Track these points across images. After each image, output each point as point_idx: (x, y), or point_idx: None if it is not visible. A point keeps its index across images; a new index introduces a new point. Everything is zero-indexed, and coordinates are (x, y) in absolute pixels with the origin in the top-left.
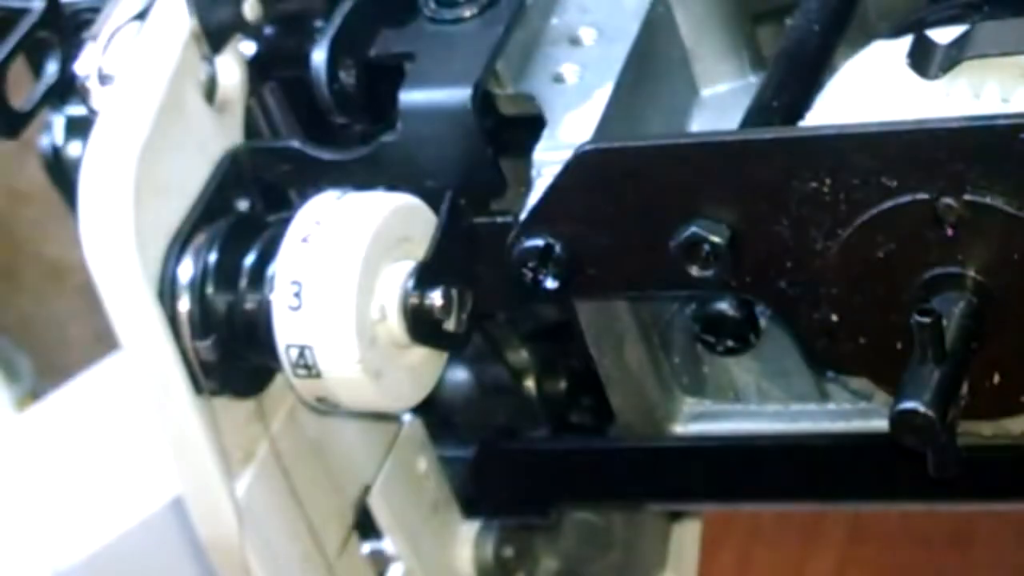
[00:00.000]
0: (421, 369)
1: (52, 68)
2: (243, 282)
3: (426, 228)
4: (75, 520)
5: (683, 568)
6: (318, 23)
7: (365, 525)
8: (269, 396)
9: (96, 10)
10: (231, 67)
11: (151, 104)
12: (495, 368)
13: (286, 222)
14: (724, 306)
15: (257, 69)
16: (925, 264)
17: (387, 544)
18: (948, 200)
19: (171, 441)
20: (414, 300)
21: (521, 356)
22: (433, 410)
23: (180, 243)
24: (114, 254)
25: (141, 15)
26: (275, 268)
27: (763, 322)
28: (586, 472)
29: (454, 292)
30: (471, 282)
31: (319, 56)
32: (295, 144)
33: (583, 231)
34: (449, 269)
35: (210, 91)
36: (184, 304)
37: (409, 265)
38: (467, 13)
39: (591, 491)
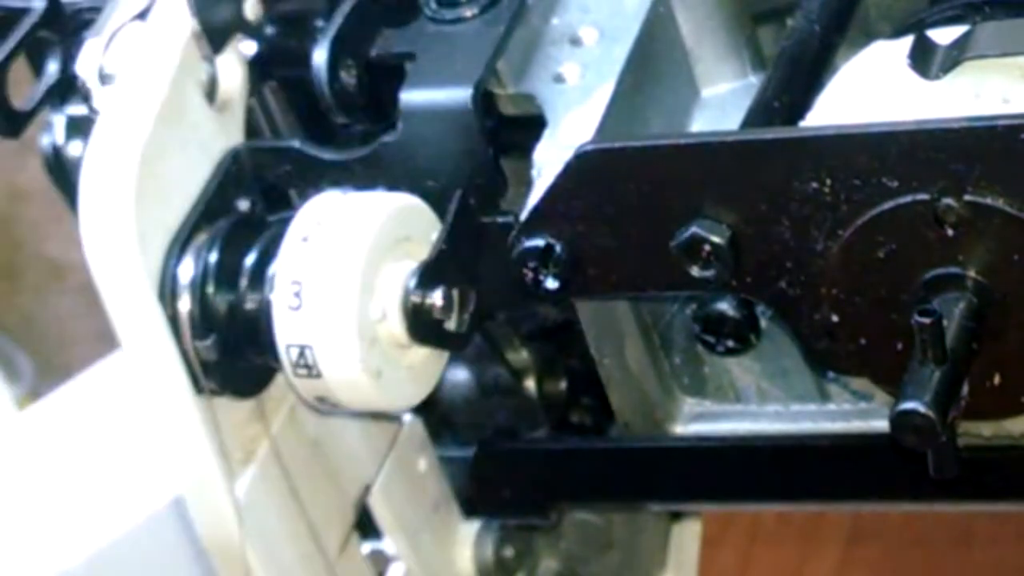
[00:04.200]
0: (421, 369)
1: (53, 68)
2: (244, 282)
3: (426, 228)
4: (76, 520)
5: (683, 568)
6: (319, 23)
7: (365, 525)
8: (269, 396)
9: (97, 10)
10: (232, 67)
11: (152, 104)
12: (495, 368)
13: (286, 222)
14: (724, 306)
15: (258, 69)
16: (925, 264)
17: (387, 544)
18: (948, 200)
19: (171, 441)
20: (415, 300)
21: (521, 356)
22: (433, 410)
23: (181, 243)
24: (115, 254)
25: (142, 15)
26: (275, 268)
27: (763, 322)
28: (586, 472)
29: (455, 292)
30: (473, 282)
31: (320, 56)
32: (295, 144)
33: (584, 231)
34: (451, 269)
35: (211, 91)
36: (185, 304)
37: (409, 265)
38: (468, 13)
39: (591, 491)
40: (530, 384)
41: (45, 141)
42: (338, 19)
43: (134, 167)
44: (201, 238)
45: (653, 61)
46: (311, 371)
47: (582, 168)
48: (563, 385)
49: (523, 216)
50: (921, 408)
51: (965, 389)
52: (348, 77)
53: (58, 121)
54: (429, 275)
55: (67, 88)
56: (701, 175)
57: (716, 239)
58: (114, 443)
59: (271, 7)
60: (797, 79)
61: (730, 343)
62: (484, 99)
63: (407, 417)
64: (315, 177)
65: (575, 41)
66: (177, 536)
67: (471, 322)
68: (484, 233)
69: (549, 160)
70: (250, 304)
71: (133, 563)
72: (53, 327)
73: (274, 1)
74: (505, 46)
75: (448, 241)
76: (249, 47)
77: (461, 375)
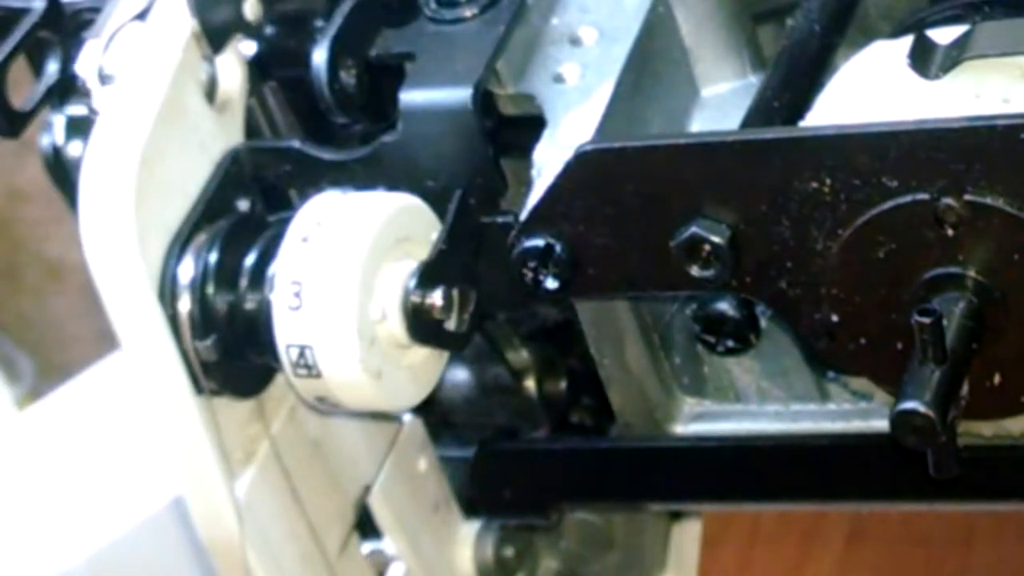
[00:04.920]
0: (421, 369)
1: (53, 68)
2: (243, 282)
3: (426, 228)
4: (75, 520)
5: (683, 568)
6: (318, 23)
7: (365, 525)
8: (269, 396)
9: (96, 10)
10: (232, 67)
11: (152, 104)
12: (495, 368)
13: (286, 222)
14: (724, 306)
15: (258, 69)
16: (925, 264)
17: (387, 544)
18: (948, 200)
19: (171, 441)
20: (415, 300)
21: (521, 356)
22: (433, 410)
23: (181, 243)
24: (115, 254)
25: (142, 15)
26: (275, 268)
27: (763, 322)
28: (586, 472)
29: (455, 292)
30: (473, 282)
31: (320, 56)
32: (295, 144)
33: (583, 231)
34: (451, 269)
35: (211, 91)
36: (184, 304)
37: (409, 265)
38: (468, 13)
39: (591, 491)
40: (530, 384)
41: (45, 141)
42: (338, 19)
43: (134, 167)
44: (201, 238)
45: (653, 61)
46: (311, 371)
47: (582, 168)
48: (563, 385)
49: (523, 216)
50: (921, 408)
51: (965, 389)
52: (348, 77)
53: (58, 121)
54: (429, 275)
55: (67, 88)
56: (701, 175)
57: (716, 239)
58: (113, 443)
59: (271, 7)
60: (797, 79)
61: (730, 343)
62: (484, 99)
63: (407, 417)
64: (315, 177)
65: (575, 41)
66: (177, 536)
67: (471, 322)
68: (484, 233)
69: (549, 160)
70: (250, 304)
71: (133, 563)
72: (53, 327)
73: (274, 1)
74: (505, 46)
75: (448, 241)
76: (249, 47)
77: (461, 375)
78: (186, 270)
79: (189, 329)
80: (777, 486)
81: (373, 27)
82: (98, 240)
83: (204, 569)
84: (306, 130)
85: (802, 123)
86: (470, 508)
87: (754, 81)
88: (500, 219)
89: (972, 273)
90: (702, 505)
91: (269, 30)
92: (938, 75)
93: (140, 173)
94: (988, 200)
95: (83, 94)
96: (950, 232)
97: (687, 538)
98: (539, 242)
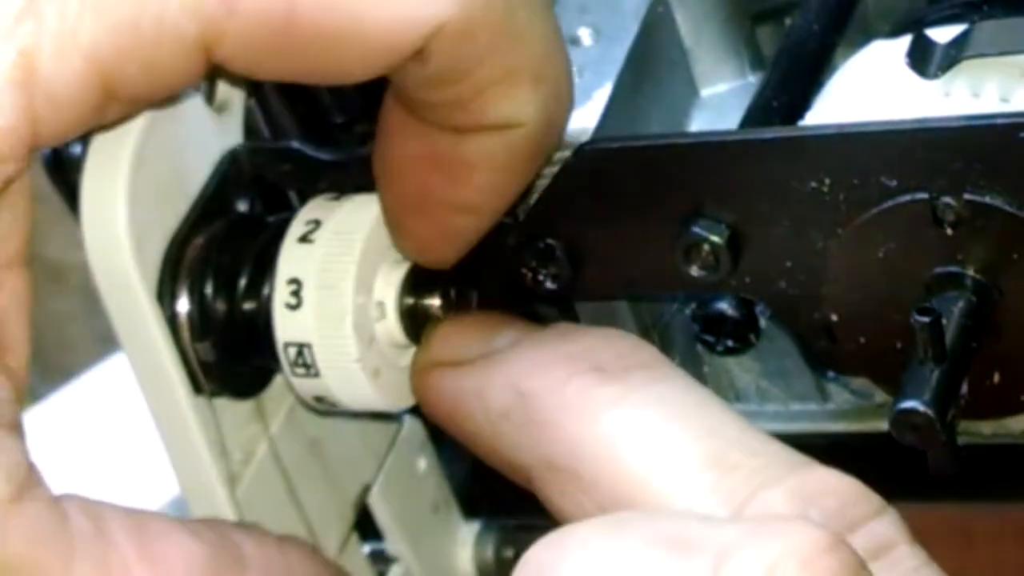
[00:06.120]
0: None
1: None
2: (242, 282)
3: None
4: None
5: None
6: None
7: (365, 525)
8: (269, 396)
9: None
10: None
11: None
12: None
13: (285, 222)
14: (724, 306)
15: None
16: (925, 264)
17: (387, 544)
18: (948, 200)
19: (171, 441)
20: (412, 300)
21: None
22: None
23: (179, 243)
24: (113, 255)
25: None
26: (274, 268)
27: (763, 322)
28: None
29: (452, 292)
30: (472, 282)
31: None
32: (295, 144)
33: (583, 231)
34: (449, 268)
35: (210, 92)
36: (183, 304)
37: (407, 264)
38: None
39: None
40: None
41: None
42: None
43: (133, 168)
44: (200, 239)
45: (652, 61)
46: (309, 370)
47: (582, 168)
48: None
49: (523, 216)
50: (920, 407)
51: (965, 388)
52: None
53: None
54: (427, 275)
55: None
56: (700, 175)
57: (716, 239)
58: (113, 443)
59: None
60: (796, 79)
61: (730, 343)
62: None
63: (407, 417)
64: (314, 177)
65: (574, 41)
66: None
67: None
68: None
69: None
70: (249, 304)
71: None
72: (53, 328)
73: None
74: None
75: None
76: None
77: None
78: (185, 271)
79: (188, 330)
80: None
81: None
82: (98, 241)
83: None
84: (306, 130)
85: (801, 123)
86: (470, 508)
87: (753, 81)
88: (500, 219)
89: (972, 272)
90: None
91: None
92: (937, 74)
93: (139, 173)
94: (987, 199)
95: None
96: (949, 232)
97: None
98: (539, 242)
